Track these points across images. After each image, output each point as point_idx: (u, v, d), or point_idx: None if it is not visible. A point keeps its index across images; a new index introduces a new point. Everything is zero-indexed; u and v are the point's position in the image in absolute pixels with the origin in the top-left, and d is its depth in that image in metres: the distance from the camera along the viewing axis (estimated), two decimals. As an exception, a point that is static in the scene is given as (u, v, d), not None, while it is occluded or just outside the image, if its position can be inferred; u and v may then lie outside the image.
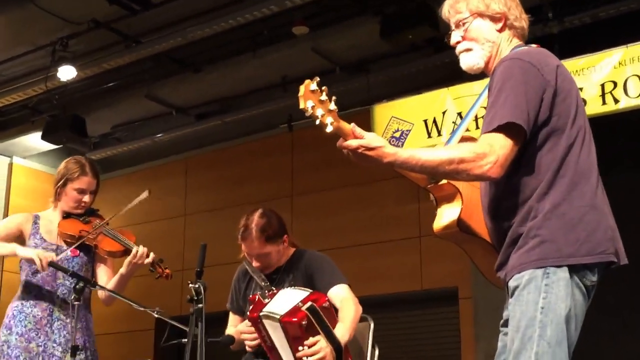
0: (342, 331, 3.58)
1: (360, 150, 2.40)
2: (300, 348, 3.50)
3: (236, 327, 3.98)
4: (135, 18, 6.95)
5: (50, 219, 4.12)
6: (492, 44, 2.71)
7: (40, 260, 3.80)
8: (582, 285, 2.44)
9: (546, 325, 2.37)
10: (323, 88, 2.39)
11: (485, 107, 2.63)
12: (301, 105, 2.36)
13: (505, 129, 2.42)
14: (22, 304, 3.96)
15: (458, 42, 2.75)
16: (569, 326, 2.41)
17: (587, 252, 2.42)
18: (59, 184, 4.10)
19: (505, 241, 2.51)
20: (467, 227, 2.64)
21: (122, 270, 4.01)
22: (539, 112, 2.47)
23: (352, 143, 2.41)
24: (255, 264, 3.86)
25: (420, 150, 2.45)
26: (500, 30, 2.71)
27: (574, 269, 2.41)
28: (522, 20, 2.76)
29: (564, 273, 2.40)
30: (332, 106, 2.39)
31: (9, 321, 3.94)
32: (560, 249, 2.40)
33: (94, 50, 7.45)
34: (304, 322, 3.47)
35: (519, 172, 2.49)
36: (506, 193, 2.52)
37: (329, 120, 2.38)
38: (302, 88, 2.36)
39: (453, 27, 2.77)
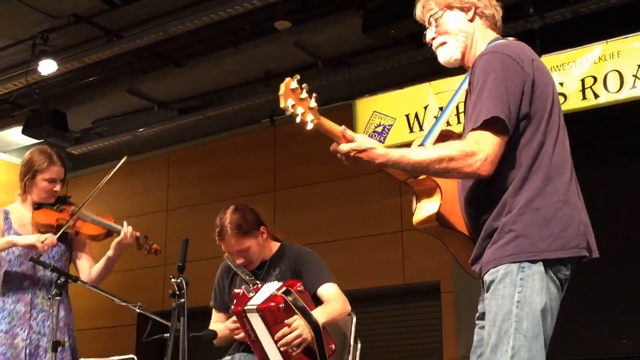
0: (320, 312, 3.61)
1: (352, 154, 2.42)
2: (279, 332, 3.52)
3: (220, 324, 3.97)
4: (117, 12, 6.91)
5: (22, 212, 4.07)
6: (465, 34, 2.72)
7: (42, 244, 3.80)
8: (556, 279, 2.47)
9: (522, 318, 2.40)
10: (303, 86, 2.39)
11: (463, 102, 2.65)
12: (281, 104, 2.36)
13: (491, 124, 2.43)
14: (3, 300, 3.93)
15: (433, 39, 2.77)
16: (544, 320, 2.43)
17: (560, 247, 2.44)
18: (27, 176, 4.06)
19: (480, 235, 2.54)
20: (446, 221, 2.65)
21: (110, 252, 4.00)
22: (520, 106, 2.49)
23: (344, 147, 2.42)
24: (238, 260, 3.86)
25: (410, 151, 2.47)
26: (472, 20, 2.73)
27: (548, 263, 2.44)
28: (491, 7, 2.77)
29: (538, 267, 2.43)
30: (313, 103, 2.39)
31: None
32: (534, 244, 2.43)
33: (75, 44, 7.41)
34: (281, 305, 3.51)
35: (496, 167, 2.49)
36: (482, 187, 2.53)
37: (309, 118, 2.38)
38: (282, 87, 2.36)
39: (427, 25, 2.80)
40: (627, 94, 5.97)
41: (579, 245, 2.48)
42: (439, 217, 2.64)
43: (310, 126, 2.39)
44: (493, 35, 2.74)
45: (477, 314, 2.71)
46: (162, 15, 6.97)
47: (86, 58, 7.43)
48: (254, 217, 3.87)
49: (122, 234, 3.98)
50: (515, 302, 2.41)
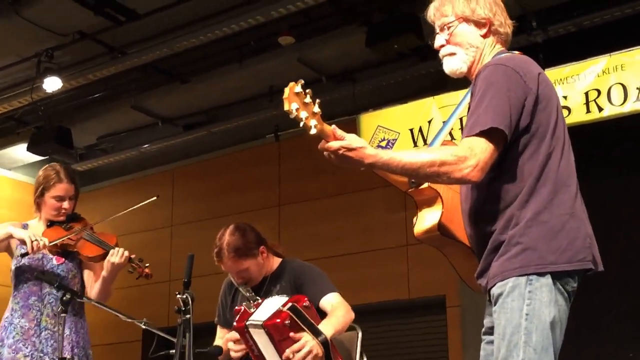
0: (327, 325, 3.59)
1: (341, 152, 2.40)
2: (287, 350, 3.50)
3: (223, 338, 3.96)
4: (121, 29, 6.94)
5: (37, 229, 4.10)
6: (475, 49, 2.71)
7: (32, 242, 3.80)
8: (564, 291, 2.46)
9: (531, 331, 2.39)
10: (307, 91, 2.38)
11: (466, 115, 2.64)
12: (285, 107, 2.36)
13: (487, 133, 2.43)
14: (11, 315, 3.95)
15: (442, 46, 2.75)
16: (554, 332, 2.42)
17: (568, 260, 2.44)
18: (37, 194, 4.09)
19: (487, 248, 2.52)
20: (447, 231, 2.64)
21: (104, 272, 3.99)
22: (520, 119, 2.49)
23: (333, 144, 2.40)
24: (237, 279, 3.85)
25: (401, 152, 2.44)
26: (485, 36, 2.72)
27: (556, 276, 2.44)
28: (506, 26, 2.76)
29: (547, 280, 2.43)
30: (316, 109, 2.39)
31: (1, 333, 3.93)
32: (542, 257, 2.43)
33: (80, 61, 7.44)
34: (287, 322, 3.48)
35: (500, 179, 2.51)
36: (487, 199, 2.53)
37: (312, 122, 2.38)
38: (286, 90, 2.36)
39: (437, 29, 2.77)
40: (631, 107, 5.96)
41: (586, 258, 2.47)
42: (440, 226, 2.62)
43: (313, 131, 2.38)
44: (500, 49, 2.74)
45: (484, 329, 2.69)
46: (167, 32, 7.00)
47: (91, 75, 7.45)
48: (254, 236, 3.84)
49: (110, 253, 3.95)
50: (525, 315, 2.40)
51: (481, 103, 2.48)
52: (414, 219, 2.70)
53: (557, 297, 2.44)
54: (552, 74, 6.24)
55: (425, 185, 2.61)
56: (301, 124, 2.38)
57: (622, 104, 6.00)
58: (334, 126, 2.43)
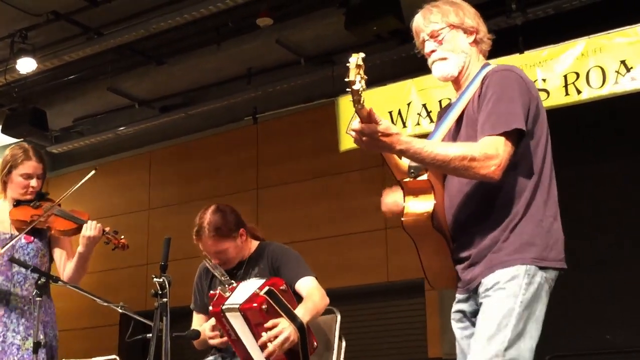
0: (303, 311, 3.58)
1: (377, 136, 2.40)
2: (263, 334, 3.48)
3: (201, 326, 3.93)
4: (97, 9, 6.86)
5: (2, 209, 4.04)
6: (466, 55, 2.81)
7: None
8: (548, 287, 2.62)
9: (522, 318, 2.53)
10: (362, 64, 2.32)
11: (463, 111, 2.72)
12: (351, 77, 2.30)
13: (509, 134, 2.54)
14: None
15: (433, 51, 2.82)
16: (538, 324, 2.58)
17: (554, 258, 2.62)
18: (3, 172, 4.03)
19: (483, 242, 2.63)
20: (436, 222, 2.66)
21: (80, 248, 3.95)
22: (527, 123, 2.61)
23: (371, 127, 2.40)
24: (214, 260, 3.82)
25: (432, 143, 2.52)
26: (472, 44, 2.82)
27: (546, 272, 2.60)
28: (487, 40, 2.87)
29: (542, 273, 2.59)
30: (364, 84, 2.33)
31: None
32: (539, 252, 2.59)
33: (54, 42, 7.36)
34: (264, 307, 3.47)
35: (503, 178, 2.58)
36: (487, 195, 2.63)
37: (362, 98, 2.33)
38: (355, 58, 2.32)
39: (426, 37, 2.82)
40: (609, 90, 5.98)
41: (564, 258, 2.66)
42: (433, 217, 2.64)
43: (359, 107, 2.33)
44: (484, 60, 2.85)
45: (459, 315, 2.81)
46: (143, 13, 6.93)
47: (66, 56, 7.38)
48: (234, 218, 3.83)
49: (84, 228, 3.91)
50: (519, 302, 2.53)
51: (500, 104, 2.59)
52: (400, 204, 2.70)
53: (546, 291, 2.60)
54: (531, 56, 6.24)
55: (425, 177, 2.64)
56: (355, 97, 2.32)
57: (600, 87, 6.01)
58: (370, 108, 2.40)
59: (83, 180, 3.99)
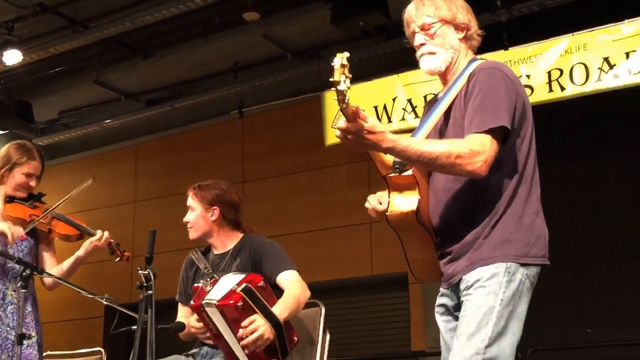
0: (280, 308, 3.57)
1: (363, 134, 2.40)
2: (240, 330, 3.50)
3: (186, 319, 3.95)
4: (83, 2, 6.85)
5: None
6: (454, 51, 2.80)
7: (12, 234, 3.77)
8: (529, 283, 2.63)
9: (502, 316, 2.55)
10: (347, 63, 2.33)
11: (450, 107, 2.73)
12: (336, 77, 2.30)
13: (495, 131, 2.55)
14: None
15: (422, 45, 2.81)
16: (520, 321, 2.60)
17: (535, 254, 2.63)
18: (5, 168, 4.03)
19: (465, 238, 2.65)
20: (420, 217, 2.68)
21: (80, 252, 3.99)
22: (513, 121, 2.62)
23: (356, 126, 2.39)
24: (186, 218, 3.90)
25: (418, 141, 2.51)
26: (461, 40, 2.81)
27: (527, 268, 2.61)
28: (477, 36, 2.86)
29: (523, 270, 2.60)
30: (349, 84, 2.33)
31: None
32: (519, 249, 2.60)
33: (41, 34, 7.33)
34: (239, 304, 3.46)
35: (487, 175, 2.58)
36: (472, 193, 2.64)
37: (347, 97, 2.32)
38: (340, 58, 2.31)
39: (417, 29, 2.81)
40: (592, 86, 6.03)
41: (546, 255, 2.67)
42: (417, 212, 2.65)
43: (344, 106, 2.33)
44: (472, 55, 2.84)
45: (442, 309, 2.82)
46: (130, 6, 6.92)
47: (52, 48, 7.35)
48: (218, 196, 3.90)
49: (97, 237, 3.99)
50: (499, 300, 2.55)
51: (487, 101, 2.60)
52: (387, 202, 2.71)
53: (528, 288, 2.61)
54: (516, 53, 6.28)
55: (410, 172, 2.64)
56: (339, 97, 2.31)
57: (583, 84, 6.06)
58: (357, 105, 2.40)
59: (79, 189, 4.05)
